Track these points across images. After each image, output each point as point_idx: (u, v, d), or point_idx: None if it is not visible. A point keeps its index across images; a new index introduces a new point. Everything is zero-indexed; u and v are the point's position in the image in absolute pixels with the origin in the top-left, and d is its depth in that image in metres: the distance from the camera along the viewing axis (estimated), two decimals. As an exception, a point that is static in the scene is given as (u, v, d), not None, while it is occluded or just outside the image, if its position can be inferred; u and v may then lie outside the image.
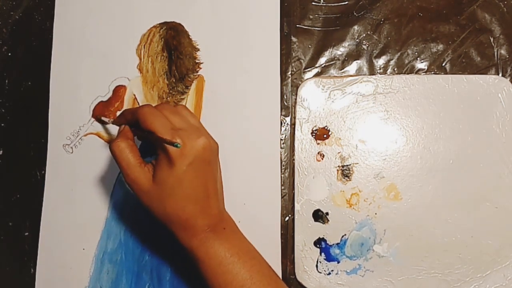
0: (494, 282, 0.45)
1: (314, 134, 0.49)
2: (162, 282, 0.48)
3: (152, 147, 0.43)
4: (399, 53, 0.50)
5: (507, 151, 0.47)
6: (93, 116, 0.51)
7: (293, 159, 0.49)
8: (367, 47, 0.50)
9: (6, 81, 0.53)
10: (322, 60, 0.50)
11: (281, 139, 0.49)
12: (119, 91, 0.51)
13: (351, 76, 0.50)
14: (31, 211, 0.51)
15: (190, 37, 0.51)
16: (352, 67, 0.50)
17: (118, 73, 0.52)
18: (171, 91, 0.51)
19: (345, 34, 0.51)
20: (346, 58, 0.50)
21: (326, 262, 0.47)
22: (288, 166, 0.49)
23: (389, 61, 0.50)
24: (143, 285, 0.48)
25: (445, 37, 0.50)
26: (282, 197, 0.48)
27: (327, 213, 0.48)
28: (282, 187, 0.48)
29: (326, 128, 0.49)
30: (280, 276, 0.47)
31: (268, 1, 0.51)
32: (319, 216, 0.48)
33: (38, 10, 0.54)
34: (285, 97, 0.50)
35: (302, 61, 0.50)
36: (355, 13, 0.51)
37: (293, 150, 0.49)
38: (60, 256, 0.50)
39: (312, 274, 0.47)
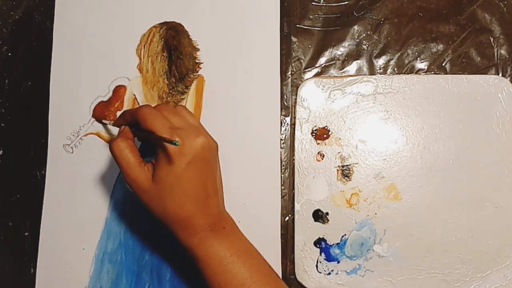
0: (494, 282, 0.45)
1: (314, 134, 0.49)
2: (162, 282, 0.48)
3: (151, 148, 0.43)
4: (399, 53, 0.50)
5: (507, 151, 0.47)
6: (93, 116, 0.51)
7: (293, 159, 0.49)
8: (367, 47, 0.50)
9: (6, 81, 0.53)
10: (322, 60, 0.50)
11: (281, 139, 0.49)
12: (119, 91, 0.51)
13: (351, 76, 0.50)
14: (31, 211, 0.51)
15: (190, 37, 0.51)
16: (352, 67, 0.50)
17: (118, 73, 0.52)
18: (171, 91, 0.51)
19: (345, 34, 0.51)
20: (346, 58, 0.50)
21: (326, 262, 0.47)
22: (288, 166, 0.49)
23: (389, 61, 0.50)
24: (143, 285, 0.48)
25: (445, 37, 0.50)
26: (282, 197, 0.48)
27: (327, 213, 0.48)
28: (282, 187, 0.48)
29: (326, 128, 0.49)
30: (280, 276, 0.47)
31: (268, 1, 0.51)
32: (319, 216, 0.48)
33: (38, 10, 0.54)
34: (285, 97, 0.50)
35: (302, 61, 0.51)
36: (355, 13, 0.51)
37: (293, 150, 0.49)
38: (60, 256, 0.50)
39: (312, 274, 0.47)
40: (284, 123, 0.50)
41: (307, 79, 0.50)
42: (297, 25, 0.51)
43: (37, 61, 0.53)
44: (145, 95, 0.51)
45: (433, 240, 0.46)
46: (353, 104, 0.49)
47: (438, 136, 0.48)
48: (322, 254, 0.47)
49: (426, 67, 0.49)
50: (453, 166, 0.47)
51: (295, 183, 0.48)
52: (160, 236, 0.48)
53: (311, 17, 0.51)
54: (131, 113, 0.42)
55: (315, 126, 0.49)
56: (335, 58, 0.50)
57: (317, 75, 0.50)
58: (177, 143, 0.37)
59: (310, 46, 0.51)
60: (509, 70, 0.49)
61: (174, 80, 0.51)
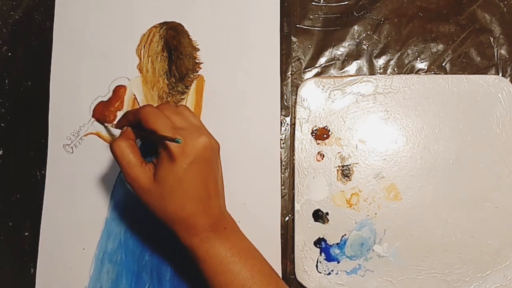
0: (494, 282, 0.45)
1: (314, 134, 0.49)
2: (162, 282, 0.48)
3: (152, 147, 0.43)
4: (399, 53, 0.50)
5: (507, 151, 0.47)
6: (93, 116, 0.51)
7: (293, 159, 0.49)
8: (367, 47, 0.50)
9: (6, 81, 0.53)
10: (322, 60, 0.50)
11: (281, 139, 0.49)
12: (119, 91, 0.51)
13: (351, 76, 0.50)
14: (31, 211, 0.51)
15: (190, 37, 0.51)
16: (352, 67, 0.50)
17: (118, 73, 0.52)
18: (171, 91, 0.51)
19: (345, 34, 0.51)
20: (346, 58, 0.50)
21: (326, 262, 0.47)
22: (288, 166, 0.49)
23: (389, 61, 0.50)
24: (143, 285, 0.48)
25: (445, 37, 0.50)
26: (282, 197, 0.48)
27: (327, 213, 0.48)
28: (282, 187, 0.48)
29: (326, 128, 0.49)
30: (280, 276, 0.47)
31: (268, 1, 0.51)
32: (319, 216, 0.48)
33: (38, 10, 0.54)
34: (285, 97, 0.50)
35: (302, 61, 0.51)
36: (355, 13, 0.51)
37: (293, 150, 0.49)
38: (60, 256, 0.49)
39: (312, 274, 0.47)
40: (284, 123, 0.50)
41: (307, 79, 0.50)
42: (297, 25, 0.51)
43: (37, 61, 0.53)
44: (145, 95, 0.51)
45: (433, 240, 0.46)
46: (353, 104, 0.49)
47: (438, 136, 0.48)
48: (322, 254, 0.47)
49: (426, 67, 0.49)
50: (453, 166, 0.47)
51: (295, 183, 0.48)
52: (160, 236, 0.48)
53: (311, 17, 0.51)
54: (133, 113, 0.42)
55: (315, 126, 0.49)
56: (335, 58, 0.50)
57: (317, 75, 0.50)
58: (179, 140, 0.37)
59: (310, 46, 0.51)
60: (509, 70, 0.49)
61: (174, 80, 0.51)
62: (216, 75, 0.50)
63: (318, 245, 0.47)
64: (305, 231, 0.47)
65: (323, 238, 0.47)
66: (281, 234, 0.48)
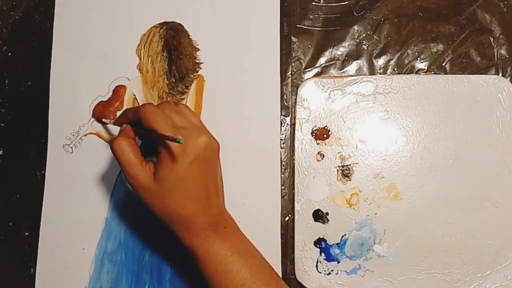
0: (494, 282, 0.45)
1: (314, 134, 0.49)
2: (162, 282, 0.48)
3: (152, 147, 0.43)
4: (399, 53, 0.50)
5: (507, 151, 0.47)
6: (93, 116, 0.51)
7: (293, 159, 0.49)
8: (367, 47, 0.50)
9: (6, 81, 0.53)
10: (322, 60, 0.50)
11: (281, 139, 0.49)
12: (119, 91, 0.51)
13: (351, 76, 0.50)
14: (31, 211, 0.51)
15: (190, 37, 0.51)
16: (352, 67, 0.50)
17: (118, 73, 0.52)
18: (171, 91, 0.51)
19: (345, 34, 0.51)
20: (346, 58, 0.50)
21: (326, 262, 0.47)
22: (288, 166, 0.49)
23: (389, 61, 0.50)
24: (143, 285, 0.48)
25: (445, 37, 0.50)
26: (282, 197, 0.48)
27: (327, 213, 0.48)
28: (282, 187, 0.48)
29: (326, 128, 0.49)
30: (280, 276, 0.47)
31: (268, 1, 0.51)
32: (319, 216, 0.48)
33: (38, 10, 0.54)
34: (285, 97, 0.50)
35: (302, 61, 0.51)
36: (355, 13, 0.51)
37: (293, 150, 0.49)
38: (60, 256, 0.49)
39: (312, 274, 0.47)
40: (284, 123, 0.50)
41: (307, 79, 0.50)
42: (297, 25, 0.51)
43: (37, 61, 0.53)
44: (145, 95, 0.51)
45: (433, 240, 0.46)
46: (353, 104, 0.49)
47: (438, 136, 0.48)
48: (322, 254, 0.47)
49: (426, 67, 0.49)
50: (453, 166, 0.47)
51: (295, 183, 0.48)
52: (160, 236, 0.48)
53: (311, 17, 0.51)
54: (133, 111, 0.42)
55: (315, 126, 0.49)
56: (335, 58, 0.50)
57: (317, 75, 0.50)
58: (180, 140, 0.37)
59: (310, 46, 0.51)
60: (509, 70, 0.49)
61: (174, 80, 0.51)
62: (216, 75, 0.50)
63: (318, 245, 0.47)
64: (305, 231, 0.47)
65: (323, 238, 0.47)
66: (281, 234, 0.48)
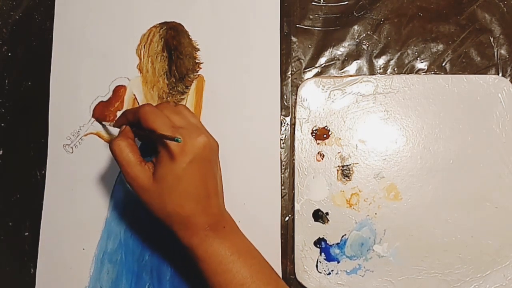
0: (494, 282, 0.45)
1: (314, 134, 0.49)
2: (162, 282, 0.48)
3: (152, 147, 0.43)
4: (399, 53, 0.50)
5: (507, 151, 0.47)
6: (93, 116, 0.51)
7: (293, 159, 0.49)
8: (367, 47, 0.50)
9: (6, 81, 0.53)
10: (322, 60, 0.50)
11: (281, 139, 0.49)
12: (119, 91, 0.51)
13: (351, 76, 0.50)
14: (31, 211, 0.51)
15: (190, 37, 0.51)
16: (352, 67, 0.50)
17: (118, 73, 0.52)
18: (171, 91, 0.51)
19: (345, 34, 0.51)
20: (346, 58, 0.50)
21: (326, 262, 0.47)
22: (288, 166, 0.49)
23: (389, 61, 0.50)
24: (143, 285, 0.48)
25: (445, 37, 0.50)
26: (282, 197, 0.48)
27: (327, 213, 0.48)
28: (282, 187, 0.48)
29: (326, 128, 0.49)
30: (280, 276, 0.47)
31: (268, 1, 0.51)
32: (319, 216, 0.48)
33: (38, 10, 0.54)
34: (285, 97, 0.50)
35: (302, 61, 0.51)
36: (355, 13, 0.51)
37: (293, 150, 0.49)
38: (60, 256, 0.49)
39: (312, 274, 0.47)
40: (284, 123, 0.50)
41: (307, 79, 0.50)
42: (297, 25, 0.51)
43: (37, 61, 0.53)
44: (145, 95, 0.51)
45: (433, 240, 0.46)
46: (353, 104, 0.49)
47: (438, 136, 0.48)
48: (322, 254, 0.47)
49: (426, 67, 0.49)
50: (453, 166, 0.47)
51: (295, 183, 0.48)
52: (160, 236, 0.48)
53: (311, 17, 0.51)
54: (132, 112, 0.42)
55: (315, 126, 0.49)
56: (335, 58, 0.50)
57: (317, 75, 0.50)
58: (179, 139, 0.37)
59: (310, 46, 0.51)
60: (509, 70, 0.49)
61: (174, 80, 0.51)
62: (216, 75, 0.50)
63: (318, 245, 0.47)
64: (305, 231, 0.47)
65: (323, 238, 0.47)
66: (281, 234, 0.48)
